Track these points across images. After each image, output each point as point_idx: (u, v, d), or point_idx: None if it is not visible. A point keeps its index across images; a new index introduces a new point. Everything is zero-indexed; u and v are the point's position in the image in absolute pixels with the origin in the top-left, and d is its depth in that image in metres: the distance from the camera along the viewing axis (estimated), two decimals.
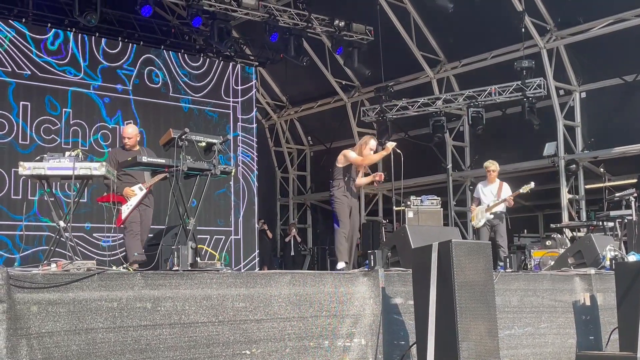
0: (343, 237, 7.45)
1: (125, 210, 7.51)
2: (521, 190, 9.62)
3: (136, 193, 7.45)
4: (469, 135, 15.46)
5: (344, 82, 16.77)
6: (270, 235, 16.59)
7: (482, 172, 14.71)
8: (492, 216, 9.67)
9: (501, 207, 9.73)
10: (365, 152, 7.58)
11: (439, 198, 12.30)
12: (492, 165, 9.89)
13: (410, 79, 15.62)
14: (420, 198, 12.09)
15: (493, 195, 9.77)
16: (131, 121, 12.20)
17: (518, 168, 13.96)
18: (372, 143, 7.65)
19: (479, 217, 9.72)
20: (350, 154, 7.61)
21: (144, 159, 6.04)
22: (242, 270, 13.07)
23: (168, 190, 5.92)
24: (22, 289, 4.15)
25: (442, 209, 12.24)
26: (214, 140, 6.06)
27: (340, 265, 7.33)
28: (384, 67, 14.45)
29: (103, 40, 12.62)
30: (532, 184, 9.56)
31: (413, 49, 14.78)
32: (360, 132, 16.26)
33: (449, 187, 15.23)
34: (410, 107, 14.63)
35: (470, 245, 5.17)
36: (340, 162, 7.63)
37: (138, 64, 12.96)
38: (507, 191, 9.80)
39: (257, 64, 15.36)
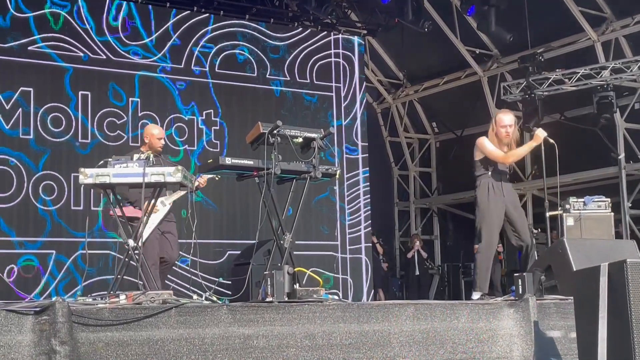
0: (485, 260, 7.34)
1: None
2: None
3: (159, 209, 7.18)
4: None
5: (477, 51, 16.58)
6: (380, 250, 16.54)
7: None
8: None
9: None
10: (499, 135, 7.43)
11: (609, 199, 11.98)
12: None
13: (565, 43, 15.28)
14: (582, 200, 11.82)
15: None
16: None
17: None
18: (502, 119, 7.48)
19: None
20: (487, 147, 7.48)
21: (228, 161, 6.19)
22: (350, 300, 13.13)
23: (258, 199, 6.04)
24: (86, 326, 4.36)
25: (612, 213, 11.91)
26: (313, 135, 6.15)
27: (476, 295, 7.30)
28: (530, 30, 14.19)
29: (173, 10, 12.93)
30: None
31: (569, 4, 14.43)
32: None
33: (621, 184, 14.78)
34: (566, 80, 14.32)
35: None
36: (477, 154, 7.58)
37: (218, 40, 13.21)
38: None
39: (365, 32, 15.41)
